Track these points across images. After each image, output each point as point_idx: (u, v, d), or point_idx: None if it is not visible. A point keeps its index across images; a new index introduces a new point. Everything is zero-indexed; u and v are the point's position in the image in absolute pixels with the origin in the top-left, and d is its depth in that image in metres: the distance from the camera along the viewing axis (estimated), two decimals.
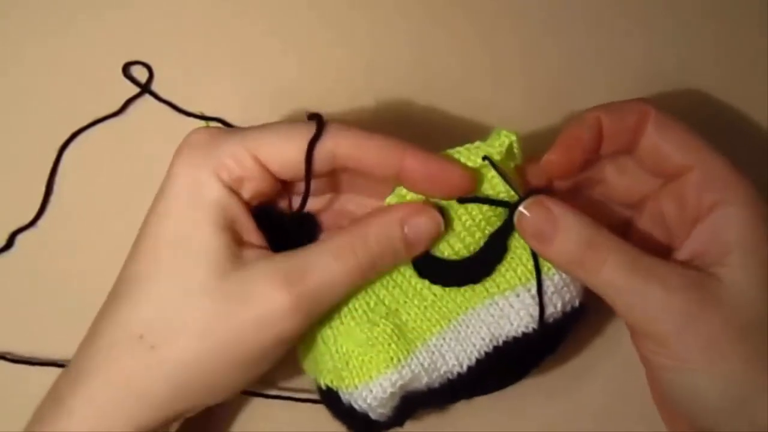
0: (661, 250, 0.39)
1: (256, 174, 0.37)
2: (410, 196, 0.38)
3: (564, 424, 0.45)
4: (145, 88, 0.49)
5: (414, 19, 0.50)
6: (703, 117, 0.45)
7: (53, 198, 0.47)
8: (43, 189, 0.47)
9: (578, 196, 0.42)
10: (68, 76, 0.49)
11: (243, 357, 0.36)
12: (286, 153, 0.37)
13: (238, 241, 0.37)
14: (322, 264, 0.36)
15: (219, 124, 0.48)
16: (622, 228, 0.42)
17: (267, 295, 0.35)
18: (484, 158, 0.38)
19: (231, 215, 0.37)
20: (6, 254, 0.46)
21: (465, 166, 0.38)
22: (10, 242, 0.47)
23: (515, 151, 0.39)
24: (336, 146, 0.37)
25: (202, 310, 0.35)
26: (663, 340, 0.36)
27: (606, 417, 0.45)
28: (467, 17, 0.50)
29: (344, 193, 0.41)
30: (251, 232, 0.38)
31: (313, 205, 0.41)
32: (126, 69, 0.49)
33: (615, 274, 0.36)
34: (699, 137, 0.38)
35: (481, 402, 0.42)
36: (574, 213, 0.37)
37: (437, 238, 0.39)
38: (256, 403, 0.45)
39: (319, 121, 0.37)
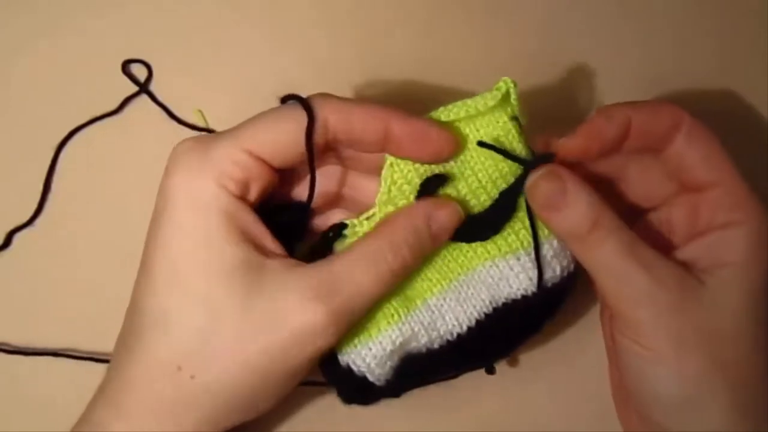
0: (656, 249, 0.39)
1: (258, 171, 0.36)
2: (403, 164, 0.38)
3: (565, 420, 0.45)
4: (143, 88, 0.48)
5: (416, 22, 0.50)
6: (700, 117, 0.45)
7: (51, 196, 0.47)
8: (40, 187, 0.47)
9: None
10: (67, 74, 0.49)
11: (282, 374, 0.36)
12: (281, 142, 0.36)
13: (257, 251, 0.36)
14: (354, 275, 0.36)
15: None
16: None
17: (301, 314, 0.35)
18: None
19: (244, 226, 0.36)
20: (4, 253, 0.46)
21: (448, 128, 0.38)
22: (7, 241, 0.46)
23: (513, 101, 0.39)
24: (326, 122, 0.36)
25: (235, 335, 0.35)
26: (638, 327, 0.36)
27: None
28: (465, 17, 0.50)
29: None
30: (267, 239, 0.37)
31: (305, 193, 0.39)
32: (125, 67, 0.49)
33: (610, 255, 0.37)
34: (725, 154, 0.38)
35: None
36: (586, 188, 0.37)
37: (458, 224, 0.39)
38: None
39: (306, 106, 0.36)
